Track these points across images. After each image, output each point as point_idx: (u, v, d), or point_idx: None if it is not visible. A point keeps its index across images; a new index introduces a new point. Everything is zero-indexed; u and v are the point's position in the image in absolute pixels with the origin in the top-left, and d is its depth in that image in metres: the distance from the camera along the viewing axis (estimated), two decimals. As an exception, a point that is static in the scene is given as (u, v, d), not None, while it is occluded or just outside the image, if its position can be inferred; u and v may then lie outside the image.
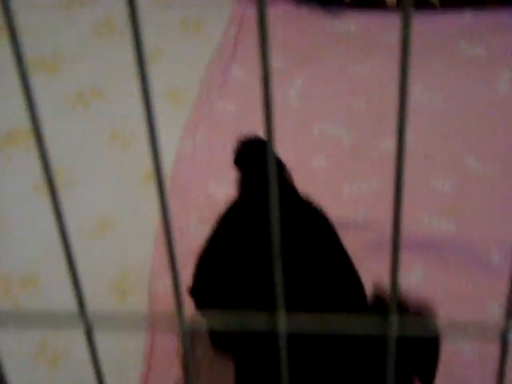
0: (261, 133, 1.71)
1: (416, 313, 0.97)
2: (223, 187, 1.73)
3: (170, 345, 1.40)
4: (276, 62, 2.05)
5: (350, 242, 1.28)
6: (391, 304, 0.60)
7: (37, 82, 2.11)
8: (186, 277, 1.47)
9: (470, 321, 0.60)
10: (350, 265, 1.21)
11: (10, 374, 0.62)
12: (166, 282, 1.52)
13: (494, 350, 0.73)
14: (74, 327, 0.62)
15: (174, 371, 1.36)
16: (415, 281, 1.48)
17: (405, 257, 1.51)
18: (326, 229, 1.24)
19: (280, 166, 1.35)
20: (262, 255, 1.14)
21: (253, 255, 1.19)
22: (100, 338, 1.45)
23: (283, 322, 0.60)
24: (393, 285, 0.55)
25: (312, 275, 1.15)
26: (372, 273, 1.16)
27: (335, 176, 1.71)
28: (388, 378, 0.65)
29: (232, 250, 1.25)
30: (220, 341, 1.40)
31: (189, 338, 0.62)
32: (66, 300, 1.24)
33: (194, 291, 1.32)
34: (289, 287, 0.65)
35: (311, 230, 1.22)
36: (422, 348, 0.97)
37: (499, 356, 0.65)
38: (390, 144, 1.76)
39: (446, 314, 1.42)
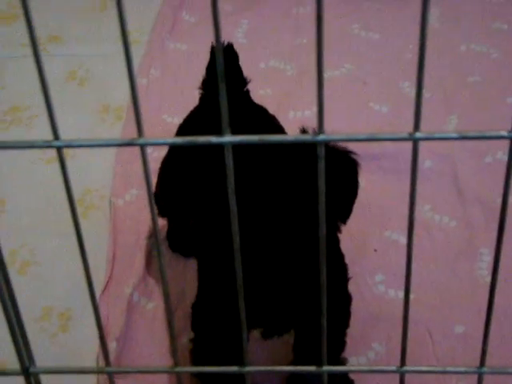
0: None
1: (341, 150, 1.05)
2: (176, 117, 1.84)
3: (130, 248, 1.51)
4: (224, 5, 2.17)
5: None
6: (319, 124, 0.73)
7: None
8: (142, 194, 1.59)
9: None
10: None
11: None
12: (126, 199, 1.63)
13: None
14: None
15: (134, 274, 1.47)
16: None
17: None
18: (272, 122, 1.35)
19: (242, 78, 1.44)
20: (219, 158, 1.21)
21: (211, 160, 1.25)
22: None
23: (228, 137, 0.72)
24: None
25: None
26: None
27: (281, 104, 1.83)
28: (320, 197, 0.77)
29: (191, 157, 1.30)
30: (176, 243, 1.51)
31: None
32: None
33: (157, 198, 1.42)
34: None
35: (259, 122, 1.33)
36: (341, 182, 1.05)
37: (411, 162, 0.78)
38: (329, 73, 1.90)
39: (381, 210, 1.57)
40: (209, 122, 1.34)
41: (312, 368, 0.91)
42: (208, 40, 2.02)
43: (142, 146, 0.77)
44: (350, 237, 1.50)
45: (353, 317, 1.31)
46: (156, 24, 2.15)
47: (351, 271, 1.44)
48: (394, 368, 0.90)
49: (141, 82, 1.95)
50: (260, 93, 1.88)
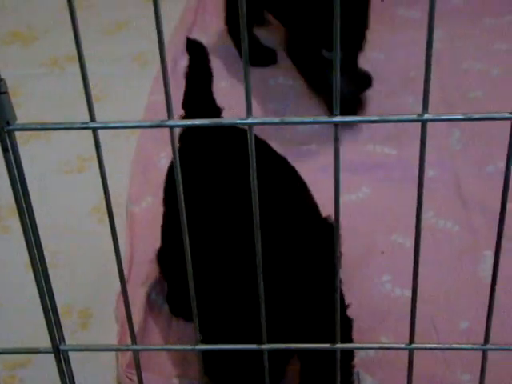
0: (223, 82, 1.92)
1: None
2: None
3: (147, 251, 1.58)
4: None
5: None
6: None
7: (13, 51, 2.30)
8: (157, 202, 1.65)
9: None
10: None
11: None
12: (142, 206, 1.70)
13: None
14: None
15: (150, 276, 1.54)
16: (363, 196, 1.69)
17: (353, 179, 1.71)
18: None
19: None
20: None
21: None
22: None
23: (251, 119, 0.78)
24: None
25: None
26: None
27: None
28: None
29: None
30: (177, 307, 1.48)
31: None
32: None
33: (161, 257, 1.47)
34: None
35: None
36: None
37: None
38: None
39: (388, 215, 1.63)
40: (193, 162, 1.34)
41: (326, 345, 0.96)
42: (218, 59, 2.12)
43: (171, 128, 0.84)
44: (358, 240, 1.57)
45: (361, 312, 1.37)
46: (169, 45, 2.23)
47: (360, 272, 1.50)
48: (402, 345, 0.96)
49: (156, 99, 2.03)
50: (270, 107, 1.96)
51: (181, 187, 0.84)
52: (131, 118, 1.99)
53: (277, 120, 0.79)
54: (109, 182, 1.74)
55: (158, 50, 2.31)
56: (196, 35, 2.29)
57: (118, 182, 1.76)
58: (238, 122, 0.79)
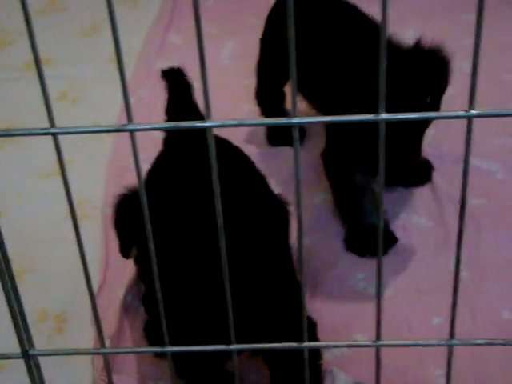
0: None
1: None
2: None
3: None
4: (210, 28, 2.27)
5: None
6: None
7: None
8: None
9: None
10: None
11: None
12: (118, 208, 1.70)
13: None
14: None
15: (126, 279, 1.54)
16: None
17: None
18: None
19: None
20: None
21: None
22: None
23: (210, 122, 0.79)
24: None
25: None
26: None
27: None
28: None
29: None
30: (153, 309, 1.50)
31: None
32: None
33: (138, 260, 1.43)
34: None
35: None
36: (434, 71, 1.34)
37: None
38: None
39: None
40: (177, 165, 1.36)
41: (293, 344, 0.97)
42: (194, 60, 2.12)
43: (132, 132, 0.85)
44: (332, 238, 1.58)
45: (335, 310, 1.39)
46: (145, 46, 2.23)
47: (334, 270, 1.51)
48: (369, 342, 0.97)
49: (131, 100, 2.02)
50: (243, 107, 1.97)
51: (143, 190, 0.84)
52: (108, 119, 1.99)
53: (235, 122, 0.79)
54: (85, 185, 1.76)
55: (133, 51, 2.30)
56: (172, 35, 2.30)
57: (94, 185, 1.77)
58: (197, 125, 0.79)
